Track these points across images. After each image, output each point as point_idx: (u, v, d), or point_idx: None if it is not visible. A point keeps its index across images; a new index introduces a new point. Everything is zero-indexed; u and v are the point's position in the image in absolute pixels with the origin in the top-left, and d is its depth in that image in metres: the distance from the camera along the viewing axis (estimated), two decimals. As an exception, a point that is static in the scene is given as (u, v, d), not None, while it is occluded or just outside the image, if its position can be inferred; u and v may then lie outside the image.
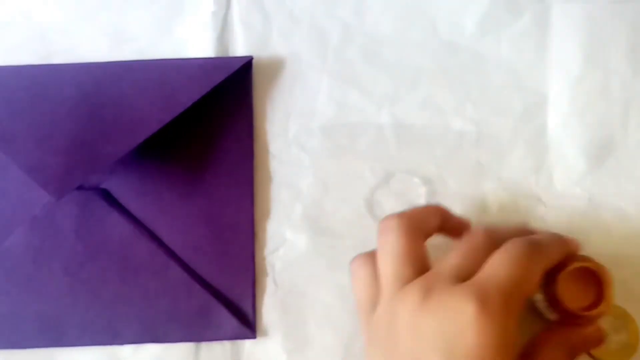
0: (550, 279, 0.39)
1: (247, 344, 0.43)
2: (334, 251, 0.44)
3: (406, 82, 0.46)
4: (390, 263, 0.36)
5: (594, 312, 0.38)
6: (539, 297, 0.41)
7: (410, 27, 0.47)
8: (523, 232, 0.38)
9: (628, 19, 0.46)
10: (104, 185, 0.45)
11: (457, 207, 0.44)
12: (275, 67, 0.47)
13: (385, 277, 0.36)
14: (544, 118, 0.45)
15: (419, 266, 0.36)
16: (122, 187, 0.44)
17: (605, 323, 0.42)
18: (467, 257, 0.36)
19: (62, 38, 0.48)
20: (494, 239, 0.36)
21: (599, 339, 0.39)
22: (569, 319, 0.39)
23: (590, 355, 0.42)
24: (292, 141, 0.46)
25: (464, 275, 0.34)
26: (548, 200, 0.44)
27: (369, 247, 0.44)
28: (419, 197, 0.45)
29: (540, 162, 0.45)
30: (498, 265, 0.34)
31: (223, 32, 0.47)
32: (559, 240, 0.39)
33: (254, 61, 0.46)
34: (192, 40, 0.47)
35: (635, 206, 0.44)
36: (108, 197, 0.45)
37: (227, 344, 0.44)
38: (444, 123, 0.46)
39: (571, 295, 0.38)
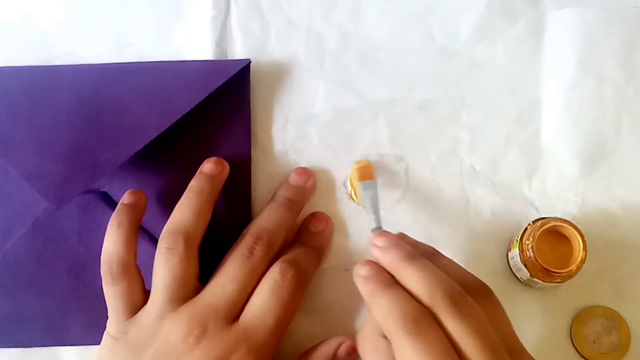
0: (526, 237, 0.41)
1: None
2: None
3: (402, 87, 0.47)
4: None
5: (565, 271, 0.40)
6: (513, 254, 0.42)
7: (406, 32, 0.47)
8: None
9: (621, 25, 0.46)
10: (104, 189, 0.45)
11: (451, 212, 0.45)
12: (273, 71, 0.47)
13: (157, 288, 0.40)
14: (538, 124, 0.46)
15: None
16: (122, 190, 0.45)
17: (597, 324, 0.43)
18: (241, 284, 0.39)
19: (63, 42, 0.48)
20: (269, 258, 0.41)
21: None
22: (541, 276, 0.41)
23: (582, 355, 0.43)
24: (290, 145, 0.46)
25: (236, 309, 0.39)
26: (541, 205, 0.45)
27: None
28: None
29: (533, 168, 0.45)
30: (265, 304, 0.38)
31: (222, 36, 0.48)
32: (314, 253, 0.43)
33: (252, 65, 0.46)
34: (191, 44, 0.48)
35: (627, 211, 0.45)
36: (108, 200, 0.45)
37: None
38: (439, 128, 0.46)
39: (545, 254, 0.41)
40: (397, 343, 0.33)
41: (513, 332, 0.35)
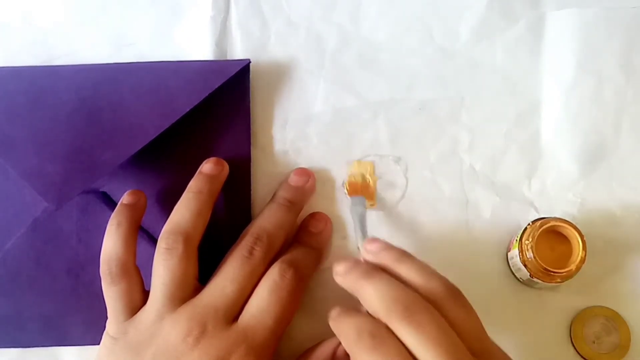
0: (526, 237, 0.41)
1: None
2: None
3: (402, 87, 0.47)
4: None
5: (564, 270, 0.40)
6: (513, 254, 0.42)
7: (406, 33, 0.47)
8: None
9: (621, 25, 0.46)
10: (103, 189, 0.46)
11: (451, 212, 0.45)
12: (273, 72, 0.47)
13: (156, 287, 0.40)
14: (538, 124, 0.46)
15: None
16: (121, 190, 0.45)
17: (597, 325, 0.43)
18: (240, 284, 0.39)
19: (63, 42, 0.48)
20: (269, 258, 0.41)
21: None
22: (541, 276, 0.41)
23: (581, 355, 0.43)
24: (289, 145, 0.46)
25: (235, 310, 0.39)
26: (541, 205, 0.45)
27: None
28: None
29: (533, 168, 0.45)
30: (264, 304, 0.39)
31: (221, 36, 0.48)
32: (313, 253, 0.43)
33: (251, 65, 0.46)
34: (191, 44, 0.48)
35: (626, 211, 0.45)
36: (108, 200, 0.45)
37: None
38: (438, 128, 0.46)
39: (545, 254, 0.41)
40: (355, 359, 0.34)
41: (482, 333, 0.35)
